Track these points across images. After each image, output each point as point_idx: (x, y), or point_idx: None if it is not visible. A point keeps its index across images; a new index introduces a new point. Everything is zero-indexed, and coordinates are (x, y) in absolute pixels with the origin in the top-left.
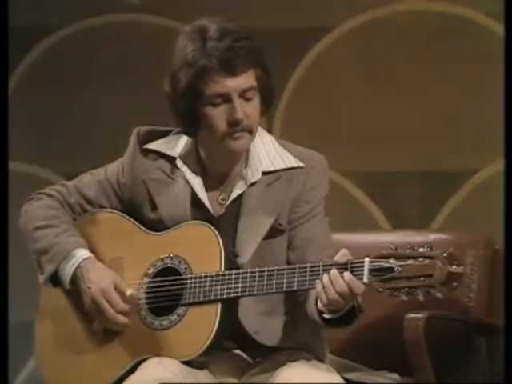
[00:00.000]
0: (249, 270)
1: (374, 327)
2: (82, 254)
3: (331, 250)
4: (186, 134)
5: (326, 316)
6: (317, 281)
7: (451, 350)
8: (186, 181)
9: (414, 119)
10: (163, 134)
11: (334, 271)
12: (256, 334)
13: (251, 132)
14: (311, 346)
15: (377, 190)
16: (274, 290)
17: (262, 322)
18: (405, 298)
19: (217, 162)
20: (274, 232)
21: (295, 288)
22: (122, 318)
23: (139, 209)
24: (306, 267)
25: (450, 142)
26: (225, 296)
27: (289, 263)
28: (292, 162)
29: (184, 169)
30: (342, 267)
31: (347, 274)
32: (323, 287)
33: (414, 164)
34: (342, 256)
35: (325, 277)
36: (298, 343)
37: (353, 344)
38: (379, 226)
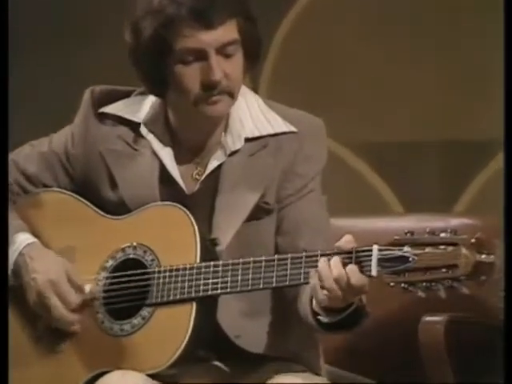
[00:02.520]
0: (230, 261)
1: (380, 332)
2: (24, 238)
3: (330, 236)
4: (153, 94)
5: (323, 319)
6: (311, 273)
7: (475, 358)
8: (153, 152)
9: (428, 76)
10: (124, 95)
11: (336, 258)
12: (237, 338)
13: (232, 95)
14: (303, 355)
15: (386, 164)
16: (261, 286)
17: (245, 324)
18: (422, 294)
19: (190, 129)
20: (259, 212)
21: (287, 283)
22: (74, 318)
23: (95, 187)
24: (300, 257)
25: (476, 105)
26: (201, 294)
27: (278, 251)
28: (281, 126)
29: (150, 137)
30: (346, 256)
31: (351, 267)
32: (319, 276)
33: (433, 133)
34: (345, 243)
35: (322, 261)
36: (287, 351)
37: (354, 352)
38: (390, 208)
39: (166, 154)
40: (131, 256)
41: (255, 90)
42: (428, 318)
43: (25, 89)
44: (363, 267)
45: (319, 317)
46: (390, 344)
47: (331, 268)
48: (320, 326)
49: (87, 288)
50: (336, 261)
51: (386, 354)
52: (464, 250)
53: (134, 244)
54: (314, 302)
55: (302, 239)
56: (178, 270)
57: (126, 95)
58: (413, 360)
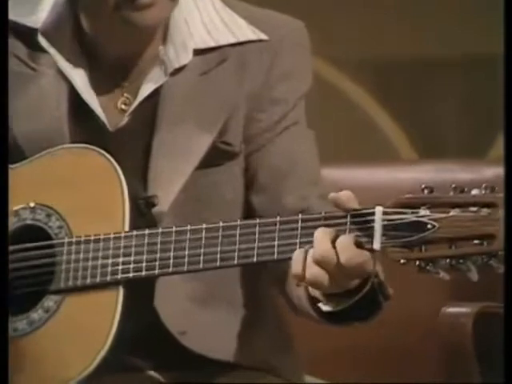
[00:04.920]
0: (174, 228)
1: (385, 328)
2: None
3: (324, 189)
4: None
5: (324, 307)
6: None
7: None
8: (59, 73)
9: None
10: None
11: (321, 230)
12: (182, 335)
13: None
14: (276, 363)
15: (394, 93)
16: (217, 264)
17: (195, 315)
18: (445, 275)
19: (112, 42)
20: (216, 156)
21: (275, 258)
22: None
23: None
24: (296, 220)
25: None
26: (131, 275)
27: (252, 214)
28: (247, 32)
29: (53, 52)
30: (337, 222)
31: (342, 240)
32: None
33: (455, 46)
34: (343, 200)
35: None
36: (255, 356)
37: (349, 358)
38: (400, 154)
39: (78, 75)
40: (28, 222)
41: None
42: (451, 309)
43: None
44: (362, 238)
45: (319, 304)
46: (399, 345)
47: (316, 242)
48: (321, 317)
49: None
50: (322, 233)
51: (393, 357)
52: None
53: (32, 205)
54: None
55: (288, 195)
56: (96, 241)
57: None
58: (428, 363)
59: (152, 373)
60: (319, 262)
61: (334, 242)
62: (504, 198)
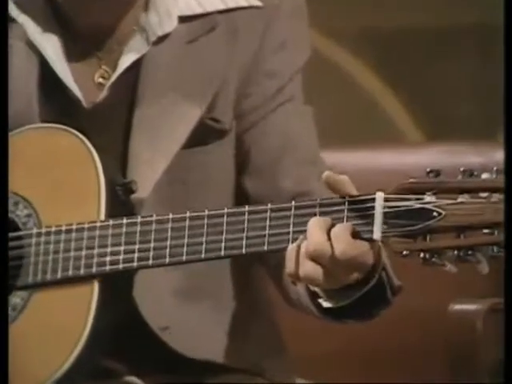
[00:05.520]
0: (154, 216)
1: (386, 327)
2: None
3: (324, 169)
4: None
5: (324, 303)
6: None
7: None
8: (29, 44)
9: None
10: None
11: (315, 219)
12: (164, 330)
13: None
14: (267, 365)
15: (398, 68)
16: (202, 256)
17: (178, 310)
18: (452, 268)
19: (89, 8)
20: (205, 135)
21: (265, 249)
22: None
23: None
24: (289, 207)
25: None
26: (107, 269)
27: (245, 200)
28: None
29: (23, 20)
30: (334, 209)
31: (337, 229)
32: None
33: (466, 13)
34: (339, 185)
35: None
36: (244, 359)
37: (342, 358)
38: (404, 135)
39: (50, 45)
40: None
41: None
42: (459, 306)
43: None
44: (361, 227)
45: (319, 300)
46: (399, 345)
47: (308, 233)
48: (322, 313)
49: None
50: (315, 222)
51: (394, 358)
52: None
53: None
54: None
55: (285, 177)
56: (68, 231)
57: None
58: (433, 367)
59: (132, 379)
60: (313, 256)
61: (329, 232)
62: (504, 199)
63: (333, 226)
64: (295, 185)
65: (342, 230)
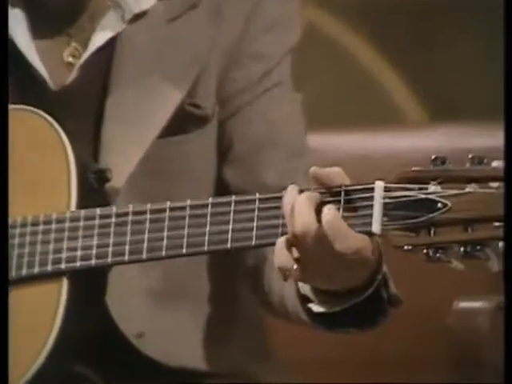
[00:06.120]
0: (131, 207)
1: (386, 326)
2: None
3: (312, 162)
4: None
5: (315, 308)
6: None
7: None
8: None
9: None
10: None
11: (302, 197)
12: (138, 337)
13: None
14: (252, 371)
15: (399, 43)
16: (183, 250)
17: (154, 314)
18: (459, 264)
19: None
20: (185, 121)
21: (253, 243)
22: None
23: None
24: (279, 197)
25: None
26: (78, 264)
27: (226, 191)
28: None
29: None
30: (329, 199)
31: (329, 216)
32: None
33: None
34: (329, 177)
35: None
36: (227, 365)
37: (341, 358)
38: (406, 116)
39: (14, 19)
40: None
41: None
42: (465, 305)
43: None
44: (359, 219)
45: (310, 304)
46: (400, 345)
47: (293, 215)
48: (312, 320)
49: None
50: (302, 203)
51: (393, 359)
52: None
53: None
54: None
55: (269, 169)
56: (35, 224)
57: None
58: (437, 368)
59: None
60: (301, 239)
61: (318, 212)
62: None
63: (322, 204)
64: (279, 178)
65: (331, 216)
